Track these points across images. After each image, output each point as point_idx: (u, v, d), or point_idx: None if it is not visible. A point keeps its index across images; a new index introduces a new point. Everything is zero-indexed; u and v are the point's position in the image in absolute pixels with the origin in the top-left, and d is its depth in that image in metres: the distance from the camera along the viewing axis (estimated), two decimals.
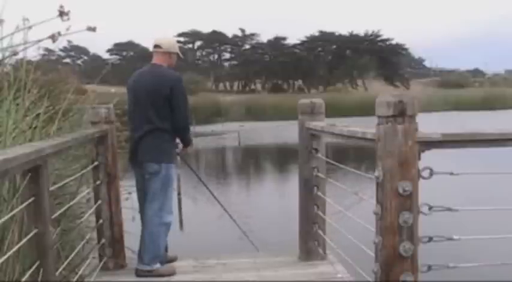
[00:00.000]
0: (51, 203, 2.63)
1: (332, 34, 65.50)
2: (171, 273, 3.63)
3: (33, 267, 2.25)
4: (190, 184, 9.25)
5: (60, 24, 2.91)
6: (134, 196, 4.55)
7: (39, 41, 3.07)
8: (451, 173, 2.22)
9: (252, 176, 13.78)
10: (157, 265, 3.62)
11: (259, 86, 65.38)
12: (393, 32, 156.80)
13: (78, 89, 5.11)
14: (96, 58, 66.24)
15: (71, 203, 3.50)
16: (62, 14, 2.87)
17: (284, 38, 65.49)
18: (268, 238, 6.20)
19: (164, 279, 3.56)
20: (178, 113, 3.61)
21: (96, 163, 3.63)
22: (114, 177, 3.71)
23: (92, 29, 3.04)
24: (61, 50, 63.48)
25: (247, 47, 68.52)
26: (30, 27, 3.14)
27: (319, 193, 3.76)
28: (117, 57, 68.92)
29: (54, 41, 2.93)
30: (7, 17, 3.31)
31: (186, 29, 67.93)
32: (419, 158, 2.21)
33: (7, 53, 3.58)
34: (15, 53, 3.54)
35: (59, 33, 2.94)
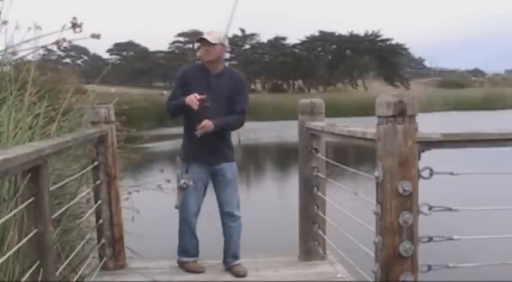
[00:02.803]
0: (51, 203, 2.63)
1: (332, 34, 65.48)
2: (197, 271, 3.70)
3: (33, 267, 2.25)
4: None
5: (64, 27, 2.93)
6: (134, 196, 4.55)
7: (44, 46, 3.09)
8: (451, 173, 2.22)
9: (252, 176, 13.77)
10: (184, 258, 3.72)
11: (259, 86, 65.34)
12: (393, 32, 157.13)
13: (78, 89, 5.10)
14: (96, 58, 66.24)
15: (71, 203, 3.49)
16: (74, 25, 2.89)
17: (284, 38, 65.49)
18: (268, 238, 6.20)
19: (164, 278, 3.56)
20: None
21: (96, 163, 3.63)
22: (114, 177, 3.70)
23: (96, 37, 3.06)
24: (61, 50, 63.41)
25: (247, 47, 68.50)
26: (30, 28, 3.15)
27: (319, 193, 3.77)
28: (117, 57, 68.92)
29: (59, 47, 2.96)
30: (8, 16, 3.32)
31: (186, 29, 68.00)
32: (419, 158, 2.22)
33: (8, 55, 3.59)
34: (16, 54, 3.55)
35: (64, 39, 2.96)
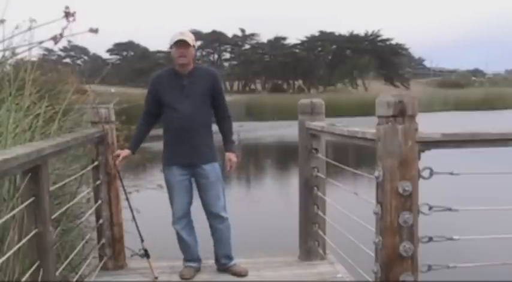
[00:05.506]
0: (51, 203, 2.64)
1: (332, 34, 65.56)
2: None
3: (33, 267, 2.25)
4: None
5: (61, 25, 2.91)
6: (134, 196, 4.55)
7: (41, 42, 3.07)
8: (451, 173, 2.22)
9: (252, 175, 13.77)
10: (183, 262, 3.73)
11: (259, 86, 65.41)
12: (393, 32, 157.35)
13: (78, 89, 5.10)
14: (96, 58, 66.22)
15: (71, 203, 3.49)
16: (67, 15, 2.87)
17: (284, 38, 65.62)
18: (268, 238, 6.20)
19: (164, 278, 3.56)
20: None
21: (96, 163, 3.63)
22: (114, 177, 3.70)
23: (94, 31, 3.04)
24: (61, 50, 63.60)
25: (247, 47, 68.55)
26: (30, 28, 3.14)
27: (319, 193, 3.77)
28: (117, 57, 68.96)
29: (56, 43, 2.93)
30: (8, 17, 3.31)
31: (186, 28, 67.87)
32: (419, 158, 2.22)
33: (8, 54, 3.58)
34: (15, 54, 3.54)
35: (61, 35, 2.93)
